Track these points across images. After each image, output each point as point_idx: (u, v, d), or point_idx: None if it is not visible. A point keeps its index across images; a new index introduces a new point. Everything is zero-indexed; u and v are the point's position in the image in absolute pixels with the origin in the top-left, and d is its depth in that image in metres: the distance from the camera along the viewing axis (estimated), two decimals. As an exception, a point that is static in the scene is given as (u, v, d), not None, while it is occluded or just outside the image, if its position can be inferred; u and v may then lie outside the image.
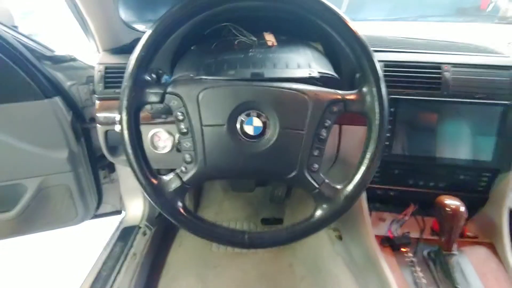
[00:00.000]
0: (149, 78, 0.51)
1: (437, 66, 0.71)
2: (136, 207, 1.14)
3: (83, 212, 1.06)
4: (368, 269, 0.74)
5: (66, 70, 0.96)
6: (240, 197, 1.38)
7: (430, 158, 0.75)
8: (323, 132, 0.49)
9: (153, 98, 0.49)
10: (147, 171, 0.50)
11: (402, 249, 0.72)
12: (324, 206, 0.50)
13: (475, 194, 0.76)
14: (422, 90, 0.70)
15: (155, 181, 0.50)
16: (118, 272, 0.89)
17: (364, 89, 0.49)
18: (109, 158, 0.80)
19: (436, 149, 0.74)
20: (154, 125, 0.72)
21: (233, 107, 0.48)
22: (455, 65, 0.71)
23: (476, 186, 0.76)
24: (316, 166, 0.50)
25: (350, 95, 0.49)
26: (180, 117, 0.49)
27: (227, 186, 1.36)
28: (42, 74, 0.85)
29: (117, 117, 0.60)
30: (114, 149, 0.81)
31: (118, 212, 1.21)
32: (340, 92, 0.50)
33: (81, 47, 0.99)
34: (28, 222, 0.96)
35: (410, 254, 0.70)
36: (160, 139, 0.73)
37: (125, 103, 0.48)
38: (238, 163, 0.49)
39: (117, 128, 0.67)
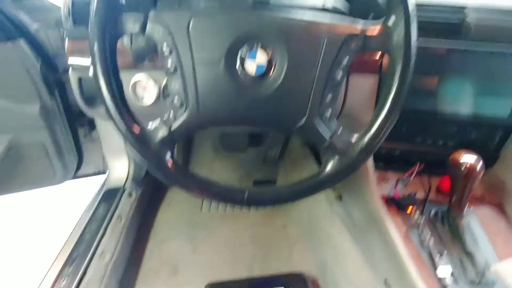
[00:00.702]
0: (124, 1, 0.41)
1: (460, 9, 0.62)
2: (120, 167, 1.05)
3: (62, 172, 0.98)
4: (370, 230, 0.70)
5: (31, 11, 0.83)
6: (232, 158, 1.31)
7: (441, 114, 0.68)
8: (339, 73, 0.41)
9: (131, 27, 0.40)
10: (128, 117, 0.41)
11: (408, 209, 0.67)
12: (336, 159, 0.44)
13: (485, 153, 0.72)
14: (441, 38, 0.61)
15: (137, 130, 0.41)
16: (103, 235, 0.82)
17: (391, 21, 0.40)
18: (85, 110, 0.70)
19: (449, 104, 0.68)
20: (135, 71, 0.62)
21: (232, 39, 0.39)
22: (478, 9, 0.63)
23: (487, 144, 0.72)
24: (328, 113, 0.43)
25: (373, 28, 0.41)
26: (166, 52, 0.40)
27: (218, 145, 1.29)
28: (2, 14, 0.72)
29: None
30: (91, 100, 0.71)
31: (102, 173, 1.14)
32: (360, 23, 0.41)
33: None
34: (1, 181, 0.88)
35: (417, 214, 0.66)
36: (143, 88, 0.63)
37: (96, 32, 0.39)
38: (236, 108, 0.41)
39: (91, 71, 0.57)
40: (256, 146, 1.26)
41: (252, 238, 1.01)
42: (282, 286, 0.77)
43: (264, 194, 0.46)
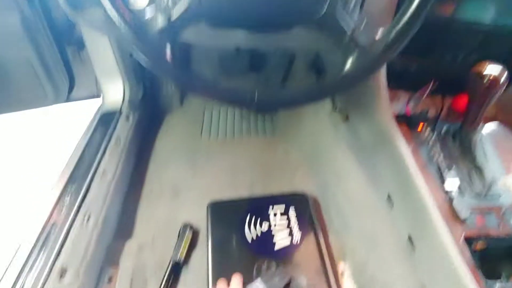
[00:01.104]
0: None
1: None
2: (114, 89, 1.00)
3: (53, 93, 0.93)
4: (377, 148, 0.68)
5: None
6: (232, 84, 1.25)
7: (465, 23, 0.62)
8: None
9: None
10: (122, 6, 0.35)
11: (420, 126, 0.65)
12: (357, 56, 0.39)
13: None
14: None
15: (131, 17, 0.36)
16: (102, 156, 0.81)
17: None
18: (70, 13, 0.63)
19: (474, 10, 0.61)
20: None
21: None
22: None
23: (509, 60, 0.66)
24: (352, 2, 0.37)
25: None
26: None
27: (216, 68, 1.22)
28: None
29: None
30: (75, 2, 0.63)
31: (96, 97, 1.08)
32: None
33: None
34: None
35: (427, 132, 0.64)
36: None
37: None
38: None
39: None
40: (257, 71, 1.19)
41: (253, 163, 1.00)
42: (283, 203, 0.78)
43: (277, 95, 0.42)
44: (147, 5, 0.56)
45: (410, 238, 0.59)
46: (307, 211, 0.78)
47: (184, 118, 1.16)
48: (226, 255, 0.68)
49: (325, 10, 0.36)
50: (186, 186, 0.91)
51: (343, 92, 0.43)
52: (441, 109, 0.68)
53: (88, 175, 0.75)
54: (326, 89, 0.41)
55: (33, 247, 0.60)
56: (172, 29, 0.37)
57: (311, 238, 0.73)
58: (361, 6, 0.46)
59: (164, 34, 0.36)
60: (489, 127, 0.66)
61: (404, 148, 0.59)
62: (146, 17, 0.37)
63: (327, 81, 0.41)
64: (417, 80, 0.73)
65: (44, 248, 0.60)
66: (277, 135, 1.13)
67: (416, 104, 0.70)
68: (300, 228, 0.74)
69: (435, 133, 0.63)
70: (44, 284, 0.55)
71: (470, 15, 0.62)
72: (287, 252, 0.69)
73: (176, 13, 0.36)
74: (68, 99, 1.00)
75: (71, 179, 0.74)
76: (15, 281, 0.54)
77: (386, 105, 0.64)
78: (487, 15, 0.62)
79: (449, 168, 0.58)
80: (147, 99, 1.10)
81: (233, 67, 1.06)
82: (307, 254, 0.70)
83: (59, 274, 0.57)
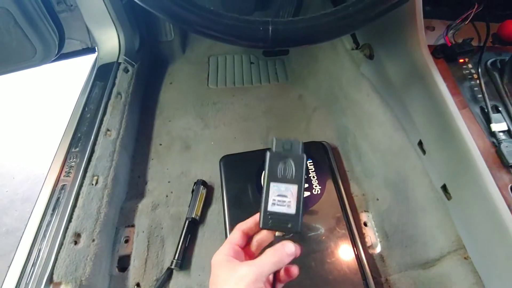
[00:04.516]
0: None
1: None
2: (109, 39, 0.91)
3: (43, 48, 0.84)
4: (410, 88, 0.59)
5: None
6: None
7: None
8: None
9: None
10: None
11: (460, 60, 0.55)
12: None
13: None
14: None
15: None
16: (104, 113, 0.75)
17: None
18: None
19: None
20: None
21: None
22: None
23: None
24: None
25: None
26: None
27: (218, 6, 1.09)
28: None
29: None
30: None
31: (91, 50, 0.99)
32: None
33: None
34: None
35: (470, 65, 0.54)
36: None
37: None
38: None
39: None
40: (264, 9, 1.06)
41: (265, 111, 0.93)
42: (301, 154, 0.73)
43: (297, 25, 0.33)
44: None
45: (445, 187, 0.53)
46: (326, 160, 0.73)
47: (188, 66, 1.07)
48: (242, 210, 0.65)
49: None
50: (196, 138, 0.86)
51: (369, 24, 0.34)
52: (487, 38, 0.57)
53: (91, 135, 0.70)
54: (352, 18, 0.32)
55: (44, 213, 0.58)
56: None
57: (331, 188, 0.68)
58: None
59: None
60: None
61: (441, 86, 0.50)
62: None
63: (354, 7, 0.32)
64: (456, 5, 0.61)
65: (55, 213, 0.58)
66: (290, 79, 1.04)
67: (456, 33, 0.59)
68: (319, 178, 0.69)
69: (480, 66, 0.53)
70: (59, 250, 0.53)
71: None
72: (307, 204, 0.66)
73: None
74: (59, 55, 0.91)
75: (73, 141, 0.70)
76: (30, 249, 0.53)
77: (421, 35, 0.53)
78: None
79: (496, 108, 0.49)
80: (146, 48, 1.00)
81: (237, 6, 0.94)
82: (327, 205, 0.66)
83: (74, 238, 0.55)
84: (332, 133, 0.84)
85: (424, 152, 0.58)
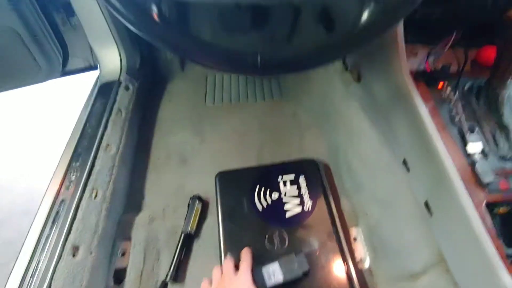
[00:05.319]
0: None
1: None
2: (111, 58, 0.95)
3: (47, 66, 0.88)
4: (392, 108, 0.63)
5: None
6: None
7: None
8: None
9: None
10: None
11: (440, 85, 0.59)
12: (373, 5, 0.33)
13: None
14: None
15: None
16: (105, 129, 0.78)
17: None
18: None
19: None
20: None
21: None
22: None
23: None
24: None
25: None
26: None
27: (217, 29, 1.14)
28: None
29: None
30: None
31: (93, 67, 1.03)
32: None
33: None
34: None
35: (449, 89, 0.58)
36: None
37: None
38: None
39: None
40: (260, 27, 1.11)
41: (260, 127, 0.97)
42: (293, 173, 0.76)
43: (282, 56, 0.37)
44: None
45: (427, 204, 0.56)
46: (317, 177, 0.76)
47: (186, 84, 1.11)
48: (237, 226, 0.67)
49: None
50: (193, 153, 0.89)
51: (357, 50, 0.38)
52: (464, 64, 0.61)
53: (91, 150, 0.73)
54: (338, 47, 0.36)
55: (43, 226, 0.60)
56: None
57: (322, 204, 0.71)
58: None
59: None
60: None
61: (422, 108, 0.54)
62: None
63: (339, 37, 0.36)
64: (437, 32, 0.65)
65: (54, 226, 0.60)
66: (284, 97, 1.08)
67: (436, 58, 0.63)
68: (311, 195, 0.72)
69: (457, 90, 0.57)
70: (58, 262, 0.55)
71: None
72: (299, 220, 0.68)
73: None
74: (63, 72, 0.95)
75: (74, 156, 0.73)
76: (29, 261, 0.54)
77: (403, 61, 0.58)
78: None
79: (472, 129, 0.53)
80: (146, 67, 1.05)
81: (234, 25, 0.99)
82: (318, 221, 0.68)
83: (72, 251, 0.57)
84: (324, 149, 0.88)
85: (408, 169, 0.61)
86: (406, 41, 0.65)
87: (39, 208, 0.64)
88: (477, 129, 0.53)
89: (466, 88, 0.58)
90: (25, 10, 0.77)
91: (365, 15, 0.33)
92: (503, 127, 0.52)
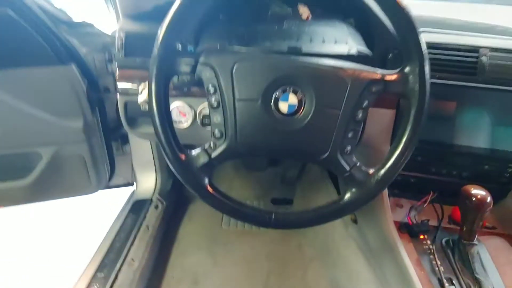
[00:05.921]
0: (179, 47, 0.49)
1: (475, 49, 0.67)
2: (147, 180, 1.13)
3: (96, 182, 1.06)
4: (383, 254, 0.74)
5: (82, 36, 0.92)
6: (251, 176, 1.37)
7: (455, 146, 0.73)
8: (359, 114, 0.47)
9: (185, 68, 0.47)
10: (175, 145, 0.48)
11: (421, 236, 0.71)
12: (354, 189, 0.49)
13: (497, 185, 0.75)
14: (457, 75, 0.67)
15: (183, 157, 0.48)
16: (132, 244, 0.89)
17: (407, 69, 0.46)
18: (128, 130, 0.79)
19: (463, 137, 0.73)
20: (174, 98, 0.70)
21: (269, 82, 0.45)
22: (493, 49, 0.68)
23: (499, 177, 0.75)
24: (349, 148, 0.48)
25: (391, 75, 0.46)
26: (212, 90, 0.47)
27: (238, 164, 1.36)
28: (58, 39, 0.81)
29: (140, 87, 0.57)
30: (132, 120, 0.79)
31: (130, 184, 1.21)
32: (379, 71, 0.47)
33: (95, 15, 0.95)
34: (42, 189, 0.96)
35: (429, 242, 0.70)
36: (181, 113, 0.71)
37: (155, 72, 0.45)
38: (270, 140, 0.48)
39: (140, 98, 0.65)
40: (275, 166, 1.32)
41: (268, 255, 1.05)
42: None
43: (289, 217, 0.51)
44: (189, 126, 0.72)
45: None
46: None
47: (206, 207, 1.24)
48: None
49: (327, 154, 0.47)
50: (205, 275, 0.95)
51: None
52: (441, 219, 0.74)
53: (117, 263, 0.82)
54: (329, 214, 0.51)
55: None
56: (211, 164, 0.49)
57: None
58: (356, 144, 0.58)
59: (205, 168, 0.49)
60: (487, 240, 0.71)
61: (407, 259, 0.65)
62: (193, 154, 0.49)
63: (331, 207, 0.50)
64: (418, 190, 0.81)
65: None
66: (291, 229, 1.19)
67: (418, 213, 0.77)
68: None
69: (435, 244, 0.68)
70: None
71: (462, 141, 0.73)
72: None
73: (216, 152, 0.48)
74: (106, 187, 1.13)
75: (100, 266, 0.81)
76: None
77: (388, 214, 0.72)
78: (477, 141, 0.73)
79: (451, 280, 0.62)
80: (175, 190, 1.22)
81: (254, 164, 1.19)
82: None
83: None
84: (326, 283, 0.93)
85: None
86: (394, 195, 0.81)
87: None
88: (455, 281, 0.62)
89: (443, 242, 0.70)
90: (94, 141, 0.99)
91: (346, 196, 0.49)
92: (476, 281, 0.61)
